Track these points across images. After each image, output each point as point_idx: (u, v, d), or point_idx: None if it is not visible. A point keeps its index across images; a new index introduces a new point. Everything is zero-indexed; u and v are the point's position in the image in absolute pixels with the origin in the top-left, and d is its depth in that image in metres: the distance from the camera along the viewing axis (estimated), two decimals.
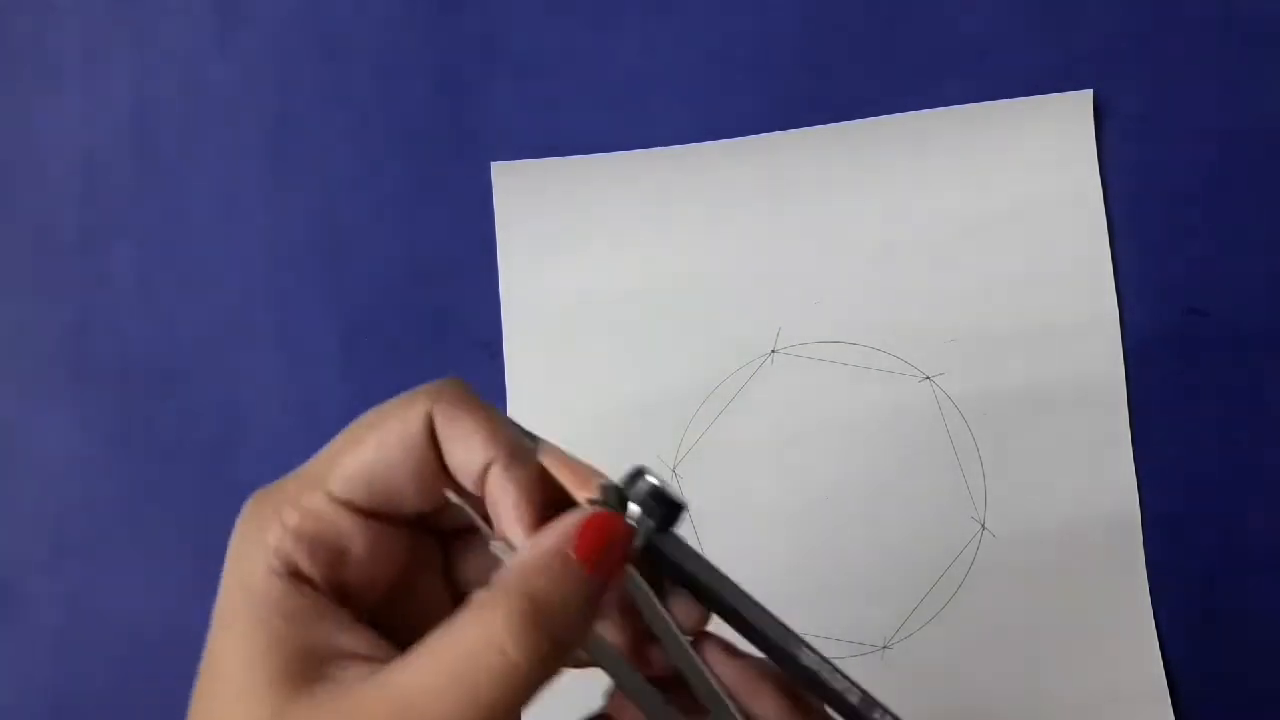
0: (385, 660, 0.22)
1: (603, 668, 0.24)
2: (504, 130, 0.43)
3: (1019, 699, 0.39)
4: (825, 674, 0.24)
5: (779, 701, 0.24)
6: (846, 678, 0.24)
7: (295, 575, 0.23)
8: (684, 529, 0.24)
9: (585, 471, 0.24)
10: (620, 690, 0.24)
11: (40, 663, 0.40)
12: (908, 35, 0.43)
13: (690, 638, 0.24)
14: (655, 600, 0.23)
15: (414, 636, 0.22)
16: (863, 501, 0.40)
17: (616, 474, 0.24)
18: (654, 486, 0.23)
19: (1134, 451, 0.42)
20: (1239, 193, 0.43)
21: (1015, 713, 0.39)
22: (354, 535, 0.24)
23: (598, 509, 0.23)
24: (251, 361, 0.43)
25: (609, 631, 0.25)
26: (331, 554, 0.23)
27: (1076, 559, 0.39)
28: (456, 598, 0.26)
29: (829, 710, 0.24)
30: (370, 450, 0.23)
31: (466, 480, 0.24)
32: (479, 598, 0.22)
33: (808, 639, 0.25)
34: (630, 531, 0.23)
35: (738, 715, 0.24)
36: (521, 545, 0.23)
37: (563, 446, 0.25)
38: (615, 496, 0.23)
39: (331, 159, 0.42)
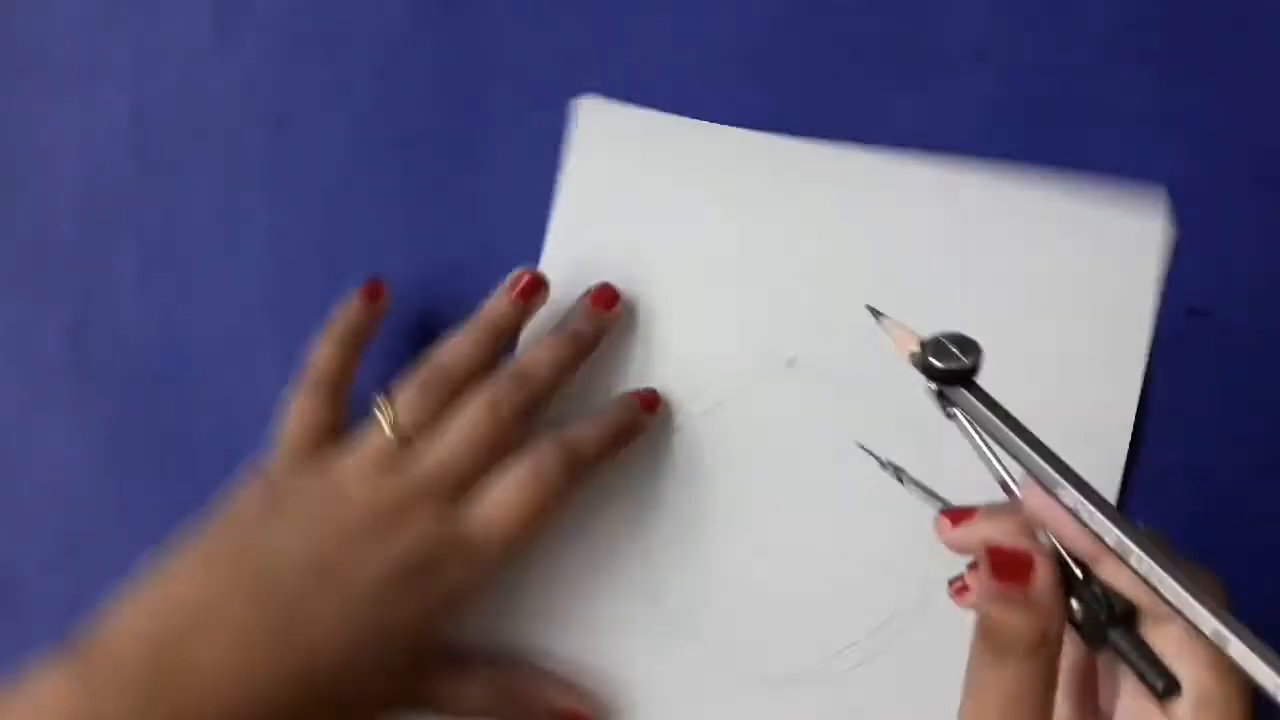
0: None
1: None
2: (504, 130, 0.43)
3: None
4: (1084, 515, 0.27)
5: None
6: (1105, 511, 0.26)
7: None
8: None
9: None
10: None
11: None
12: (907, 34, 0.43)
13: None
14: (983, 443, 0.29)
15: None
16: (864, 506, 0.40)
17: None
18: (933, 364, 0.29)
19: (1134, 452, 0.42)
20: (1239, 192, 0.43)
21: None
22: None
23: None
24: (251, 362, 0.43)
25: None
26: None
27: None
28: None
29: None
30: None
31: None
32: None
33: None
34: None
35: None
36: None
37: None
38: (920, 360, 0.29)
39: (332, 159, 0.42)
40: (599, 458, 0.38)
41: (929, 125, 0.43)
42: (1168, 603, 0.25)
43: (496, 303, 0.40)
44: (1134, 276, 0.41)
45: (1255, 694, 0.26)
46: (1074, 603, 0.27)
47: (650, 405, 0.40)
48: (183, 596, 0.33)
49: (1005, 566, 0.27)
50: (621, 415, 0.39)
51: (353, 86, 0.43)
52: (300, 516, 0.35)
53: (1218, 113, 0.43)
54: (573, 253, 0.42)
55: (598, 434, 0.38)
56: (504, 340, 0.40)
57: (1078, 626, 0.27)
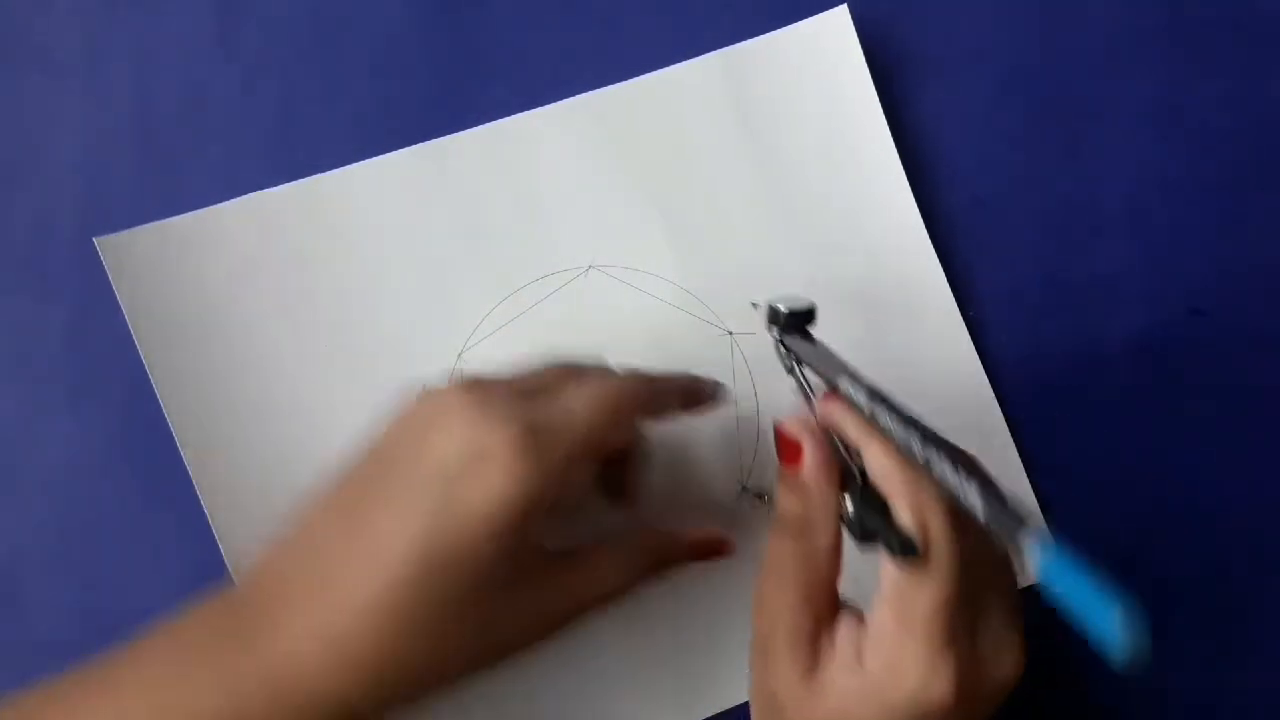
0: None
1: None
2: None
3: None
4: (844, 385, 0.32)
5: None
6: (858, 386, 0.32)
7: None
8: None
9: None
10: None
11: (42, 665, 0.40)
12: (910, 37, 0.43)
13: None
14: (798, 375, 0.35)
15: None
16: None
17: None
18: (781, 311, 0.35)
19: (1135, 452, 0.42)
20: (1239, 193, 0.43)
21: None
22: None
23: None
24: None
25: None
26: None
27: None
28: None
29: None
30: None
31: None
32: None
33: None
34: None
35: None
36: None
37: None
38: (771, 315, 0.35)
39: (332, 159, 0.42)
40: (675, 401, 0.36)
41: (932, 124, 0.43)
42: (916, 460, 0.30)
43: (673, 381, 0.37)
44: (845, 70, 0.43)
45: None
46: (848, 503, 0.32)
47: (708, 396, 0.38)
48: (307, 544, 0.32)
49: (783, 448, 0.33)
50: (693, 383, 0.37)
51: (353, 86, 0.43)
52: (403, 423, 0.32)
53: (1218, 113, 0.44)
54: (187, 368, 0.41)
55: (677, 384, 0.36)
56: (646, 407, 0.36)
57: (849, 525, 0.32)
